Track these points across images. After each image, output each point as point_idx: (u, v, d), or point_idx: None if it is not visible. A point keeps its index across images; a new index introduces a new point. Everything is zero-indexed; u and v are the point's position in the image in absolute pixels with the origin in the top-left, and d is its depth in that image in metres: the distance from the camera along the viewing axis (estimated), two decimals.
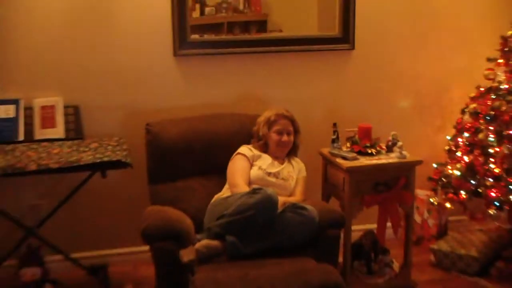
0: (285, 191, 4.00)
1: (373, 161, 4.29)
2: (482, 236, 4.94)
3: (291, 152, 4.20)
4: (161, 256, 3.55)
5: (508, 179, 4.45)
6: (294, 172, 4.13)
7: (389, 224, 4.45)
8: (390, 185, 4.31)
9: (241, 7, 4.79)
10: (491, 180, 4.53)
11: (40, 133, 4.25)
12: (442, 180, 4.81)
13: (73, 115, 4.38)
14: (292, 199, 3.92)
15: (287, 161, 4.16)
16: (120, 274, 4.35)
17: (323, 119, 4.61)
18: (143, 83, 4.58)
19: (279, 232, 3.67)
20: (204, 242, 3.59)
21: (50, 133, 4.26)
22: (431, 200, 4.92)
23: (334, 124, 4.44)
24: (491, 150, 4.58)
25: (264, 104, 4.38)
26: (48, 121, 4.29)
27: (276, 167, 4.07)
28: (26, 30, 4.30)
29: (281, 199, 3.78)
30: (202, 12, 4.69)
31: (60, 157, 3.92)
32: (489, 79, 4.72)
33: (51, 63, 4.39)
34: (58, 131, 4.28)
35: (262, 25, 4.85)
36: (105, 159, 3.94)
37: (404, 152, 4.32)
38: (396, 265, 4.53)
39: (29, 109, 4.28)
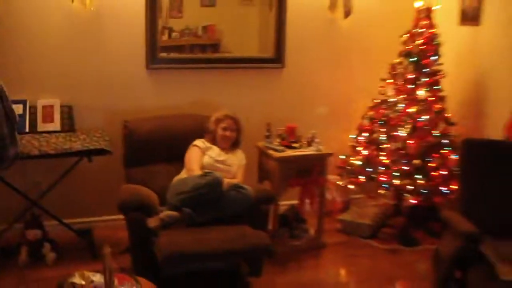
0: (229, 174, 3.96)
1: (297, 152, 4.32)
2: (374, 209, 4.98)
3: (235, 145, 4.15)
4: (133, 223, 3.50)
5: (393, 168, 4.52)
6: (236, 160, 4.10)
7: (307, 200, 4.51)
8: (309, 171, 4.35)
9: (199, 33, 4.75)
10: (382, 168, 4.60)
11: (41, 127, 4.16)
12: (347, 168, 4.82)
13: (67, 113, 4.28)
14: (234, 181, 3.88)
15: (231, 152, 4.12)
16: (102, 236, 4.26)
17: (260, 120, 4.56)
18: (122, 89, 4.49)
19: (224, 206, 3.67)
20: (166, 212, 3.56)
21: (49, 127, 4.18)
22: (339, 182, 4.95)
23: (268, 124, 4.45)
24: (382, 146, 4.65)
25: (215, 107, 4.33)
26: (48, 117, 4.20)
27: (222, 156, 4.03)
28: (30, 42, 4.21)
29: (226, 181, 3.75)
30: (170, 36, 4.64)
31: (57, 145, 3.87)
32: (382, 94, 4.76)
33: (50, 70, 4.30)
34: (55, 125, 4.20)
35: (216, 47, 4.82)
36: (91, 147, 3.91)
37: (320, 147, 4.37)
38: (311, 231, 4.58)
39: (33, 108, 4.18)
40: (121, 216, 3.58)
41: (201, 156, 4.00)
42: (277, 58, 4.89)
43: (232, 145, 4.15)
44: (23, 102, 4.17)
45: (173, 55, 4.65)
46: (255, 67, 4.86)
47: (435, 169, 4.51)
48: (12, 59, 4.18)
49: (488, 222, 3.48)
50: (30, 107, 4.18)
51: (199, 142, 4.07)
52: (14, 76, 4.12)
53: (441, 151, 4.56)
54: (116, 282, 2.56)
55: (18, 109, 4.03)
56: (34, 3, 4.16)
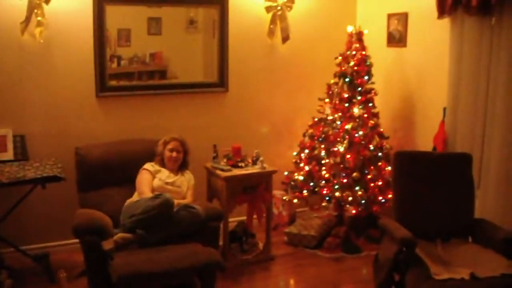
0: (179, 195, 4.04)
1: (242, 171, 4.42)
2: (318, 221, 5.09)
3: (183, 166, 4.23)
4: (88, 246, 3.52)
5: (334, 181, 4.69)
6: (185, 181, 4.17)
7: (255, 216, 4.60)
8: (255, 188, 4.45)
9: (147, 60, 4.81)
10: (323, 182, 4.76)
11: None
12: (291, 183, 4.96)
13: (20, 142, 4.27)
14: (184, 201, 3.97)
15: (180, 173, 4.19)
16: (58, 261, 4.24)
17: (207, 142, 4.64)
18: (73, 117, 4.51)
19: (175, 225, 3.74)
20: (120, 235, 3.63)
21: (3, 156, 4.16)
22: (284, 197, 5.07)
23: (214, 146, 4.55)
24: (323, 161, 4.81)
25: (164, 131, 4.40)
26: (1, 147, 4.19)
27: (172, 178, 4.11)
28: None
29: (176, 201, 3.84)
30: (118, 64, 4.68)
31: (10, 174, 3.86)
32: (320, 112, 4.94)
33: (2, 101, 4.28)
34: (8, 155, 4.19)
35: (163, 73, 4.89)
36: (45, 174, 3.93)
37: (264, 164, 4.47)
38: (260, 245, 4.67)
39: None
40: (76, 240, 3.60)
41: (151, 179, 4.06)
42: (221, 82, 5.02)
43: (180, 166, 4.22)
44: None
45: (121, 82, 4.70)
46: (200, 92, 4.96)
47: (372, 180, 4.70)
48: None
49: (421, 227, 3.69)
50: None
51: (148, 166, 4.14)
52: None
53: (377, 163, 4.74)
54: None
55: None
56: None
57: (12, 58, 4.27)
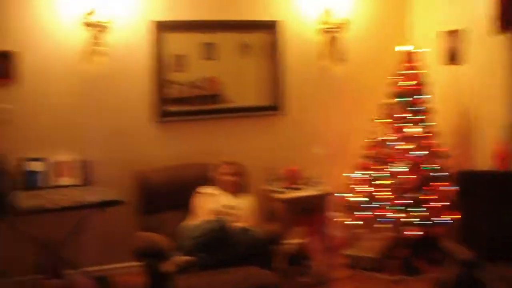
0: (239, 218, 3.99)
1: (300, 193, 4.38)
2: (377, 242, 4.93)
3: (241, 189, 4.22)
4: (149, 269, 3.56)
5: (393, 202, 4.55)
6: (245, 204, 4.15)
7: (313, 238, 4.53)
8: (312, 210, 4.40)
9: (203, 84, 4.83)
10: (383, 203, 4.59)
11: (61, 181, 4.29)
12: (349, 205, 4.82)
13: (83, 167, 4.39)
14: (244, 224, 3.93)
15: (239, 196, 4.18)
16: (119, 283, 4.30)
17: (263, 165, 4.65)
18: (133, 142, 4.62)
19: (234, 248, 3.72)
20: (181, 258, 3.63)
21: (67, 181, 4.30)
22: (342, 220, 4.90)
23: (271, 168, 4.53)
24: (381, 182, 4.65)
25: (220, 155, 4.41)
26: (65, 172, 4.33)
27: (229, 201, 4.10)
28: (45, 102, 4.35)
29: (236, 225, 3.83)
30: (176, 89, 4.73)
31: (73, 198, 3.96)
32: (378, 133, 4.79)
33: (66, 128, 4.42)
34: (73, 180, 4.32)
35: (217, 97, 4.89)
36: (106, 198, 3.98)
37: (321, 186, 4.42)
38: (319, 267, 4.56)
39: (52, 164, 4.31)
40: (136, 263, 3.61)
41: (207, 202, 4.06)
42: (276, 105, 5.02)
43: (237, 189, 4.21)
44: (43, 159, 4.29)
45: (178, 107, 4.76)
46: (255, 115, 4.98)
47: (433, 200, 4.55)
48: (30, 119, 4.33)
49: (485, 248, 3.53)
50: (49, 164, 4.30)
51: (204, 189, 4.16)
52: (33, 135, 4.27)
53: (436, 183, 4.60)
54: None
55: (37, 165, 4.21)
56: (46, 66, 4.32)
57: (72, 86, 4.40)
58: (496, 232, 3.68)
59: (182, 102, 4.78)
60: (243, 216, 4.07)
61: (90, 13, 4.31)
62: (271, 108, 5.00)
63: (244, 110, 4.93)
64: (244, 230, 3.80)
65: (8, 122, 4.22)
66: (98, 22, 4.32)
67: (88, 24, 4.32)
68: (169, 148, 4.69)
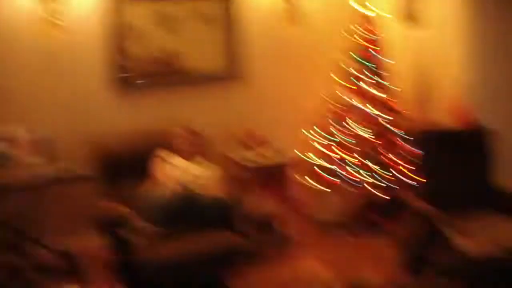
0: (202, 186, 3.95)
1: (263, 158, 4.41)
2: (343, 204, 4.92)
3: (202, 156, 4.18)
4: (113, 239, 3.52)
5: (357, 163, 4.66)
6: (207, 171, 4.12)
7: (278, 201, 4.58)
8: (277, 173, 4.45)
9: (164, 54, 4.82)
10: (347, 165, 4.71)
11: (22, 157, 4.18)
12: (313, 168, 4.85)
13: (44, 142, 4.27)
14: (208, 191, 3.91)
15: (200, 163, 4.14)
16: (84, 256, 4.24)
17: (225, 131, 4.68)
18: (92, 113, 4.61)
19: (201, 215, 3.74)
20: (145, 227, 3.63)
21: (29, 158, 4.17)
22: (307, 182, 4.89)
23: (234, 134, 4.53)
24: (346, 145, 4.74)
25: (182, 123, 4.40)
26: (28, 149, 4.21)
27: (193, 170, 4.05)
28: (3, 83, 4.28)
29: (200, 192, 3.83)
30: (136, 58, 4.70)
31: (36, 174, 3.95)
32: (340, 96, 4.84)
33: (25, 104, 4.37)
34: (35, 157, 4.22)
35: (178, 66, 4.87)
36: (69, 173, 4.01)
37: (284, 150, 4.45)
38: (285, 230, 4.59)
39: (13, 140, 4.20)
40: (100, 234, 3.61)
41: (171, 169, 4.01)
42: (234, 72, 5.03)
43: (199, 156, 4.18)
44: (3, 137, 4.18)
45: (137, 77, 4.71)
46: (214, 83, 4.96)
47: (396, 161, 4.67)
48: None
49: (445, 201, 3.66)
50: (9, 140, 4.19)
51: (165, 154, 4.10)
52: None
53: (399, 144, 4.71)
54: None
55: None
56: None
57: (31, 59, 4.33)
58: (457, 188, 3.82)
59: (140, 72, 4.74)
60: (207, 184, 4.04)
61: None
62: (230, 75, 4.99)
63: (203, 78, 4.92)
64: (210, 199, 3.81)
65: None
66: None
67: None
68: (129, 118, 4.65)
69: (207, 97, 4.96)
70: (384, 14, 4.94)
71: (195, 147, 4.15)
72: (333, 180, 4.85)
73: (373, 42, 4.74)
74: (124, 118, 4.66)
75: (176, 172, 4.01)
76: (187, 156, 4.12)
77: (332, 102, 4.89)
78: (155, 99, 4.78)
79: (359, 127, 4.65)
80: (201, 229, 3.69)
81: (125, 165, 4.17)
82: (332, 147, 4.83)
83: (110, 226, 3.54)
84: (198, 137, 4.20)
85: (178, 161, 4.09)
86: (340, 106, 4.83)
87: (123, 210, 3.74)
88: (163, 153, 4.12)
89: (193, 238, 3.60)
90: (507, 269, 3.18)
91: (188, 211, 3.70)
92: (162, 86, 4.80)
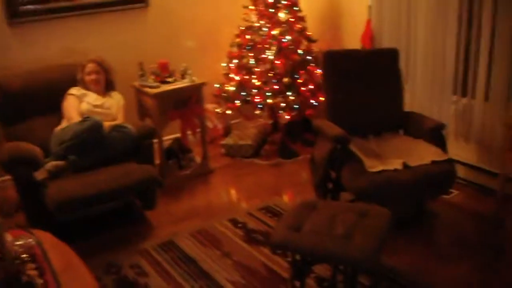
0: (109, 117, 3.92)
1: (171, 86, 4.34)
2: (253, 130, 5.14)
3: (108, 87, 4.09)
4: (20, 179, 3.44)
5: (265, 88, 4.68)
6: (114, 102, 4.06)
7: (189, 131, 4.58)
8: (186, 102, 4.40)
9: None
10: (254, 90, 4.74)
11: None
12: (223, 95, 4.93)
13: None
14: (115, 122, 3.88)
15: (107, 95, 4.07)
16: None
17: (132, 61, 4.47)
18: None
19: (108, 147, 3.69)
20: (52, 163, 3.53)
21: None
22: (217, 110, 5.03)
23: (140, 63, 4.41)
24: (252, 70, 4.77)
25: (86, 54, 4.21)
26: None
27: (99, 100, 3.98)
28: None
29: (107, 123, 3.75)
30: None
31: None
32: (246, 20, 4.85)
33: None
34: None
35: None
36: None
37: (193, 78, 4.40)
38: (198, 159, 4.69)
39: None
40: (6, 175, 3.47)
41: (78, 104, 3.93)
42: None
43: (105, 88, 4.09)
44: None
45: (32, 6, 4.35)
46: (119, 9, 4.70)
47: (304, 84, 4.72)
48: None
49: (354, 124, 3.78)
50: None
51: (73, 90, 4.00)
52: None
53: (307, 67, 4.75)
54: (10, 237, 2.51)
55: None
56: None
57: None
58: (362, 108, 3.92)
59: (38, 1, 4.38)
60: (113, 114, 4.00)
61: None
62: (135, 0, 4.75)
63: (106, 5, 4.63)
64: (117, 128, 3.75)
65: None
66: None
67: None
68: (29, 52, 4.33)
69: (113, 26, 4.71)
70: None
71: (101, 77, 4.03)
72: (246, 106, 4.88)
73: None
74: (25, 53, 4.31)
75: (83, 104, 3.92)
76: (94, 87, 4.01)
77: (243, 28, 4.83)
78: (58, 31, 4.47)
79: (270, 52, 4.63)
80: (110, 162, 3.65)
81: (31, 103, 3.98)
82: (243, 73, 4.81)
83: (15, 166, 3.42)
84: (105, 67, 4.06)
85: (85, 92, 3.96)
86: (251, 32, 4.79)
87: (28, 148, 3.60)
88: (72, 90, 3.96)
89: (101, 171, 3.56)
90: (413, 187, 3.35)
91: (94, 141, 3.61)
92: (64, 15, 4.47)
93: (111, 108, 4.02)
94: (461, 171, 4.00)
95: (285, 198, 4.22)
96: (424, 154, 3.50)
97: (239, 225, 3.75)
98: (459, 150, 4.12)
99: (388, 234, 2.63)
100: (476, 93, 4.00)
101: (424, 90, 4.25)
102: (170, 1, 4.94)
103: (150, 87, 4.28)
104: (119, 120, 3.98)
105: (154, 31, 4.90)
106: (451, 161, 3.48)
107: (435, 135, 3.65)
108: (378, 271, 2.90)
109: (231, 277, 3.16)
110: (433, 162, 3.41)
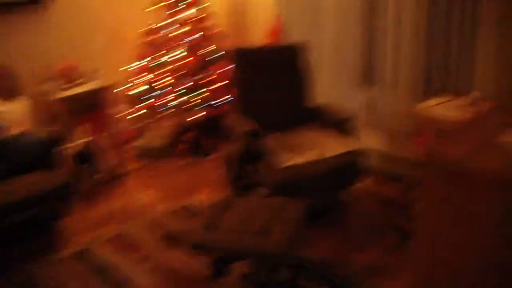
0: (13, 123, 3.75)
1: (80, 89, 4.22)
2: (166, 130, 5.04)
3: (11, 93, 3.91)
4: None
5: (177, 87, 4.65)
6: (18, 108, 3.89)
7: (101, 134, 4.48)
8: (96, 105, 4.29)
9: None
10: (166, 90, 4.68)
11: None
12: (133, 96, 4.77)
13: None
14: (21, 129, 3.72)
15: (10, 101, 3.88)
16: None
17: (37, 64, 4.30)
18: None
19: (15, 155, 3.55)
20: None
21: None
22: (129, 111, 4.82)
23: (47, 67, 4.23)
24: (162, 69, 4.67)
25: None
26: None
27: (2, 107, 3.79)
28: None
29: (12, 130, 3.61)
30: None
31: None
32: (153, 21, 4.76)
33: None
34: None
35: None
36: None
37: (102, 80, 4.29)
38: (111, 163, 4.57)
39: None
40: None
41: None
42: None
43: (7, 94, 3.90)
44: None
45: None
46: (15, 11, 4.42)
47: (215, 81, 4.72)
48: None
49: (266, 119, 3.83)
50: None
51: None
52: None
53: (215, 64, 4.76)
54: None
55: None
56: None
57: None
58: (273, 103, 3.98)
59: None
60: (16, 121, 3.85)
61: None
62: (30, 1, 4.46)
63: (3, 6, 4.36)
64: (24, 135, 3.62)
65: None
66: None
67: None
68: None
69: (10, 28, 4.42)
70: None
71: (3, 85, 3.86)
72: (152, 106, 4.82)
73: None
74: None
75: None
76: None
77: (148, 28, 4.76)
78: None
79: (176, 51, 4.59)
80: (19, 170, 3.51)
81: None
82: (152, 74, 4.75)
83: None
84: (3, 72, 3.89)
85: None
86: (157, 32, 4.73)
87: None
88: None
89: (9, 181, 3.42)
90: (325, 178, 3.46)
91: (2, 151, 3.47)
92: None
93: (15, 114, 3.85)
94: (373, 159, 4.16)
95: (201, 196, 4.22)
96: (336, 145, 3.61)
97: (156, 227, 3.71)
98: (371, 138, 4.28)
99: (304, 226, 2.70)
100: (385, 82, 4.15)
101: (334, 81, 4.38)
102: (72, 2, 4.73)
103: (56, 91, 4.13)
104: (24, 127, 3.83)
105: (56, 32, 4.66)
106: (361, 150, 3.62)
107: (346, 125, 3.77)
108: (296, 263, 2.97)
109: (151, 280, 3.13)
110: (346, 152, 3.52)
